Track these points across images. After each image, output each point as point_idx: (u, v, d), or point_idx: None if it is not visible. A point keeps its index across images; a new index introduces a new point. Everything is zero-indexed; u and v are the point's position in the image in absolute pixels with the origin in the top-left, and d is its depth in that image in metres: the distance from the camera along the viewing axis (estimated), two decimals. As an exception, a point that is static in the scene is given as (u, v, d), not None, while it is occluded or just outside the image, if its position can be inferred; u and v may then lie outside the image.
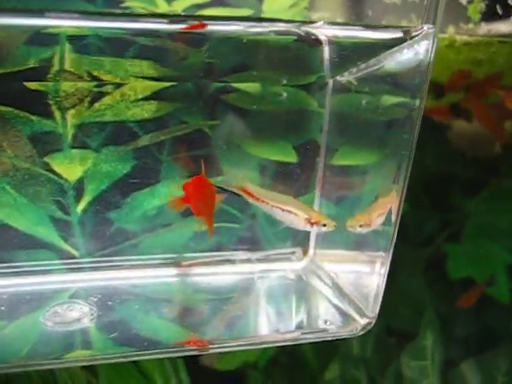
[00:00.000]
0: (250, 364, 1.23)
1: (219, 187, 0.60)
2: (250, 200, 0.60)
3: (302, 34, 0.50)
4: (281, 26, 0.51)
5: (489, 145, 1.29)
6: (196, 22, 0.49)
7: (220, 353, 1.05)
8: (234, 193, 0.59)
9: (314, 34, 0.50)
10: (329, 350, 1.20)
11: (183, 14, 0.60)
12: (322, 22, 0.49)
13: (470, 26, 0.88)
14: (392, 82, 0.56)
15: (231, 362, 1.24)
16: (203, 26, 0.49)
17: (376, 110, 0.59)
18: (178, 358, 1.03)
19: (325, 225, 0.57)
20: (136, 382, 1.00)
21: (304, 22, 0.50)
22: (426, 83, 0.49)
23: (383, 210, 0.58)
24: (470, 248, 1.22)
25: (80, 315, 0.56)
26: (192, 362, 1.09)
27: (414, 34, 0.48)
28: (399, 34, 0.48)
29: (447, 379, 1.06)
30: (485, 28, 0.88)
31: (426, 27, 0.47)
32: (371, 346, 1.16)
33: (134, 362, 1.01)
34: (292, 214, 0.59)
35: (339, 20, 0.73)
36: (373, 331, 1.16)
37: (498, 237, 1.16)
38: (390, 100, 0.58)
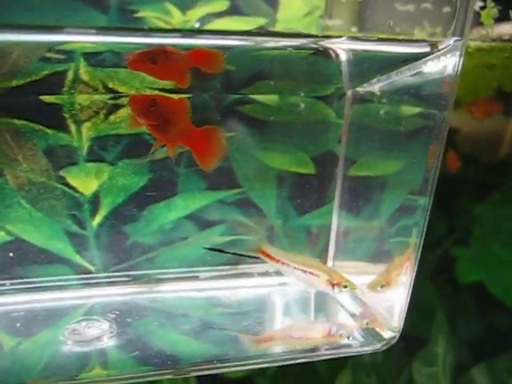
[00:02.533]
0: (258, 371, 1.23)
1: (236, 253, 0.60)
2: (270, 262, 0.59)
3: (321, 48, 0.49)
4: (299, 41, 0.49)
5: (497, 148, 1.29)
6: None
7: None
8: (254, 257, 0.58)
9: (332, 49, 0.49)
10: (340, 357, 1.19)
11: (197, 28, 0.59)
12: (343, 38, 0.48)
13: (483, 31, 0.87)
14: (415, 92, 0.55)
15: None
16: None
17: (398, 120, 0.58)
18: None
19: (346, 286, 0.57)
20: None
21: (323, 37, 0.48)
22: (454, 94, 0.48)
23: (401, 269, 0.58)
24: (479, 252, 1.21)
25: (100, 333, 0.55)
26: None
27: (440, 47, 0.47)
28: (426, 49, 0.47)
29: (458, 384, 1.05)
30: (496, 31, 0.87)
31: (452, 40, 0.46)
32: (382, 352, 1.15)
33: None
34: (313, 275, 0.58)
35: (353, 28, 0.72)
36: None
37: (507, 240, 1.15)
38: (411, 110, 0.57)
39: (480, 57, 0.90)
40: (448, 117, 0.49)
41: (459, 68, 0.47)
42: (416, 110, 0.55)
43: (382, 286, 0.58)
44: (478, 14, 0.88)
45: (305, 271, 0.58)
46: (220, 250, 0.64)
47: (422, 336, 1.10)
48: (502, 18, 0.87)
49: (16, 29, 0.44)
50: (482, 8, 0.87)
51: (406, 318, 1.21)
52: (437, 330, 1.10)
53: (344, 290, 0.57)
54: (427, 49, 0.47)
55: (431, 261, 1.25)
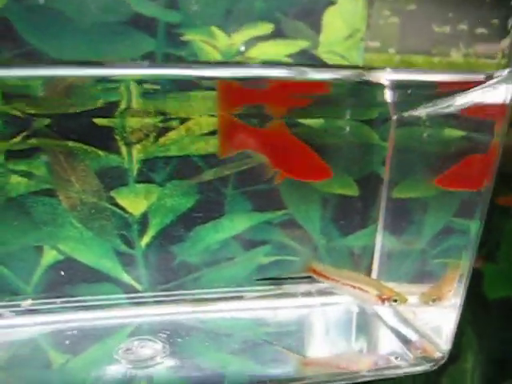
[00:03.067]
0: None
1: (288, 277, 0.62)
2: (320, 279, 0.60)
3: (365, 80, 0.49)
4: (343, 74, 0.50)
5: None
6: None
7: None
8: (306, 276, 0.60)
9: (377, 80, 0.50)
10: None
11: (243, 61, 0.61)
12: (387, 70, 0.48)
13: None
14: (461, 117, 0.56)
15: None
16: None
17: (442, 144, 0.59)
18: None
19: (396, 300, 0.58)
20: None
21: (367, 69, 0.49)
22: (505, 122, 0.49)
23: (452, 284, 0.59)
24: (507, 267, 1.20)
25: (153, 353, 0.56)
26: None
27: (495, 77, 0.47)
28: (480, 77, 0.48)
29: (487, 402, 1.04)
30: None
31: (507, 71, 0.47)
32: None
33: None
34: (363, 291, 0.59)
35: (391, 49, 0.73)
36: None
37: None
38: (456, 134, 0.58)
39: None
40: (501, 144, 0.50)
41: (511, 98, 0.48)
42: (459, 133, 0.56)
43: (433, 300, 0.58)
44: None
45: (354, 287, 0.59)
46: (271, 278, 0.65)
47: (451, 353, 1.09)
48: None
49: (68, 65, 0.45)
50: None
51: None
52: (466, 347, 1.09)
53: (394, 303, 0.57)
54: (482, 78, 0.47)
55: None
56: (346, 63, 0.68)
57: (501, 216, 1.24)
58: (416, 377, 1.14)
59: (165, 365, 0.55)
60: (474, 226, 0.52)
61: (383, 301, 0.57)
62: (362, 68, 0.52)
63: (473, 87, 0.50)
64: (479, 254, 1.20)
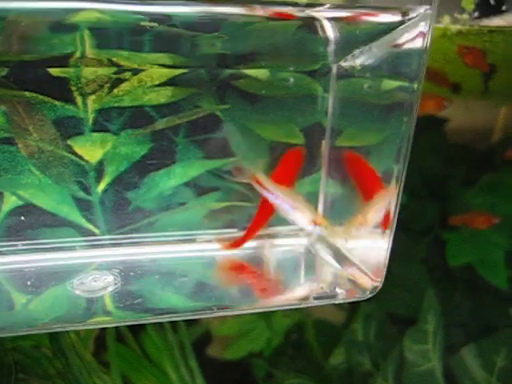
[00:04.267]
0: (255, 353, 1.27)
1: (228, 180, 0.65)
2: (261, 189, 0.64)
3: (306, 16, 0.53)
4: (285, 9, 0.52)
5: (486, 137, 1.33)
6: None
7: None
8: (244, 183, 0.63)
9: (316, 18, 0.53)
10: (333, 337, 1.23)
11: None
12: (325, 6, 0.52)
13: (464, 16, 0.92)
14: (391, 66, 0.60)
15: (237, 351, 1.28)
16: None
17: (377, 93, 0.63)
18: (187, 348, 1.06)
19: (326, 227, 0.62)
20: (147, 371, 1.03)
21: (307, 6, 0.51)
22: (424, 66, 0.53)
23: (379, 206, 0.62)
24: (469, 236, 1.25)
25: (104, 284, 0.60)
26: (200, 353, 1.13)
27: (411, 15, 0.52)
28: (397, 17, 0.52)
29: (448, 363, 1.08)
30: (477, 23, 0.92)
31: (423, 9, 0.51)
32: (374, 331, 1.19)
33: (144, 352, 1.05)
34: (301, 212, 0.63)
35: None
36: (375, 317, 1.20)
37: (496, 224, 1.19)
38: (390, 84, 0.62)
39: (460, 40, 0.95)
40: (420, 87, 0.54)
41: (429, 38, 0.52)
42: (393, 83, 0.60)
43: (359, 225, 0.63)
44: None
45: (293, 206, 0.62)
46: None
47: (412, 316, 1.14)
48: (482, 4, 0.92)
49: None
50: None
51: (398, 299, 1.25)
52: (426, 310, 1.13)
53: (324, 229, 0.61)
54: (399, 17, 0.52)
55: (422, 245, 1.29)
56: None
57: (461, 186, 1.28)
58: (379, 339, 1.18)
59: (114, 293, 0.58)
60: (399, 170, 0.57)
61: (315, 224, 0.62)
62: (302, 5, 0.54)
63: (394, 28, 0.54)
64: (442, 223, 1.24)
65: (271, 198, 0.64)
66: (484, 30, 0.87)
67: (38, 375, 0.83)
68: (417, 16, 0.51)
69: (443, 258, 1.25)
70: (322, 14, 0.51)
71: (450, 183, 1.33)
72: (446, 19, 0.89)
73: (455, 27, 0.89)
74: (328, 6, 0.50)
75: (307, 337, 1.30)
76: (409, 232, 1.27)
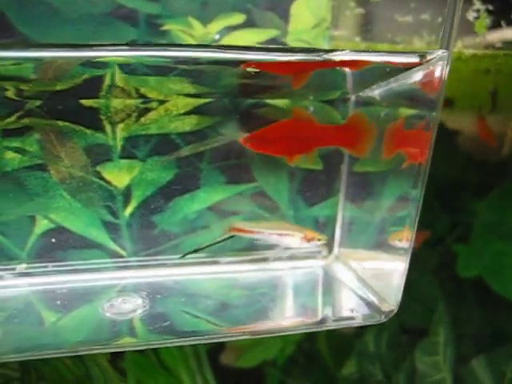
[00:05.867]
0: (268, 362, 1.29)
1: (212, 244, 0.69)
2: (245, 235, 0.67)
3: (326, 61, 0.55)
4: (305, 56, 0.55)
5: (497, 149, 1.35)
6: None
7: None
8: (228, 238, 0.66)
9: (336, 61, 0.56)
10: (345, 347, 1.25)
11: (216, 44, 0.67)
12: (345, 51, 0.55)
13: (477, 40, 0.94)
14: (410, 97, 0.63)
15: (251, 360, 1.30)
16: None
17: (394, 120, 0.66)
18: (202, 357, 1.09)
19: (320, 239, 0.65)
20: (163, 380, 1.06)
21: (327, 51, 0.54)
22: (441, 97, 0.56)
23: None
24: (479, 248, 1.26)
25: (134, 307, 0.63)
26: (215, 361, 1.15)
27: (428, 58, 0.54)
28: (415, 59, 0.55)
29: (459, 374, 1.10)
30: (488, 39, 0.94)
31: (440, 52, 0.54)
32: (386, 342, 1.21)
33: (160, 360, 1.07)
34: (289, 235, 0.66)
35: (357, 37, 0.80)
36: (387, 329, 1.22)
37: (506, 236, 1.20)
38: (407, 112, 0.65)
39: (474, 63, 0.97)
40: (438, 116, 0.57)
41: (446, 75, 0.55)
42: (411, 111, 0.63)
43: None
44: (472, 24, 0.96)
45: (279, 234, 0.65)
46: (195, 251, 0.71)
47: (424, 328, 1.16)
48: (495, 28, 0.95)
49: (52, 47, 0.50)
50: (476, 18, 0.94)
51: (409, 311, 1.27)
52: (437, 321, 1.15)
53: (318, 242, 0.64)
54: (417, 59, 0.54)
55: (433, 257, 1.30)
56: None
57: (472, 199, 1.30)
58: (391, 350, 1.20)
59: (144, 316, 0.61)
60: (416, 195, 0.59)
61: (308, 241, 0.64)
62: (322, 50, 0.58)
63: (412, 67, 0.56)
64: (453, 235, 1.26)
65: (257, 238, 0.67)
66: (499, 54, 0.90)
67: (57, 382, 0.86)
68: (433, 58, 0.53)
69: (454, 269, 1.27)
70: (341, 57, 0.53)
71: (462, 195, 1.34)
72: (459, 43, 0.91)
73: (469, 51, 0.91)
74: (347, 51, 0.52)
75: (319, 346, 1.32)
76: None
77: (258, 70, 0.56)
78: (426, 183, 1.30)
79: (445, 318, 1.15)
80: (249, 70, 0.56)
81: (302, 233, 0.66)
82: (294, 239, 0.66)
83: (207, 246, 0.70)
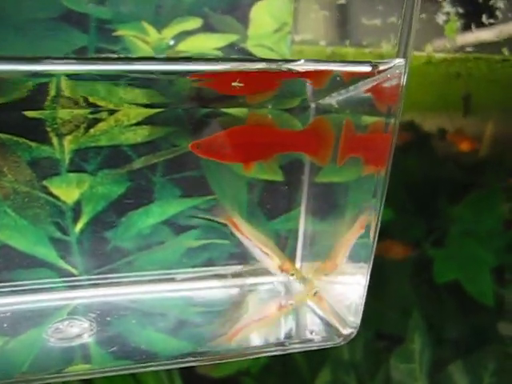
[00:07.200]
0: (243, 371, 1.27)
1: (205, 218, 0.65)
2: (235, 231, 0.65)
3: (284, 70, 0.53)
4: (263, 65, 0.54)
5: (472, 152, 1.34)
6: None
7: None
8: (220, 223, 0.63)
9: (295, 70, 0.53)
10: (320, 356, 1.23)
11: (169, 56, 0.64)
12: (302, 61, 0.52)
13: (447, 44, 0.93)
14: (368, 105, 0.60)
15: (226, 369, 1.27)
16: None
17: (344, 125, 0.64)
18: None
19: (292, 274, 0.64)
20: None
21: (285, 61, 0.53)
22: (401, 103, 0.54)
23: (347, 247, 0.62)
24: (455, 252, 1.25)
25: (80, 331, 0.59)
26: (189, 370, 1.12)
27: (382, 68, 0.52)
28: (367, 69, 0.53)
29: (435, 381, 1.09)
30: (460, 41, 0.93)
31: (397, 60, 0.51)
32: (361, 350, 1.19)
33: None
34: (269, 257, 0.66)
35: (322, 42, 0.77)
36: (362, 336, 1.20)
37: (482, 240, 1.20)
38: (366, 120, 0.62)
39: (445, 67, 0.95)
40: (397, 123, 0.54)
41: (404, 83, 0.52)
42: (370, 119, 0.60)
43: (326, 275, 0.63)
44: (441, 27, 0.94)
45: (262, 251, 0.64)
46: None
47: (399, 335, 1.14)
48: (464, 32, 0.93)
49: None
50: (446, 21, 0.92)
51: (385, 317, 1.25)
52: (413, 329, 1.14)
53: (291, 277, 0.63)
54: (370, 69, 0.52)
55: (409, 262, 1.29)
56: (274, 55, 0.72)
57: (448, 202, 1.29)
58: (366, 358, 1.19)
59: (90, 341, 0.58)
60: (378, 204, 0.57)
61: (282, 271, 0.63)
62: (279, 60, 0.56)
63: (369, 76, 0.54)
64: (428, 240, 1.25)
65: (243, 241, 0.65)
66: (470, 58, 0.88)
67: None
68: (389, 68, 0.51)
69: (430, 275, 1.26)
70: (297, 67, 0.51)
71: (437, 199, 1.33)
72: (429, 48, 0.90)
73: (439, 55, 0.89)
74: (303, 61, 0.50)
75: (294, 355, 1.30)
76: (395, 249, 1.28)
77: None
78: (401, 187, 1.28)
79: (421, 324, 1.14)
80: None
81: (280, 260, 0.64)
82: (272, 263, 0.65)
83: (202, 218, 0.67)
